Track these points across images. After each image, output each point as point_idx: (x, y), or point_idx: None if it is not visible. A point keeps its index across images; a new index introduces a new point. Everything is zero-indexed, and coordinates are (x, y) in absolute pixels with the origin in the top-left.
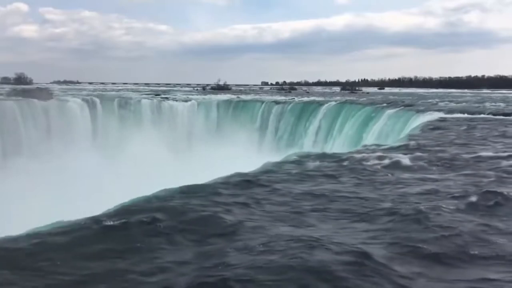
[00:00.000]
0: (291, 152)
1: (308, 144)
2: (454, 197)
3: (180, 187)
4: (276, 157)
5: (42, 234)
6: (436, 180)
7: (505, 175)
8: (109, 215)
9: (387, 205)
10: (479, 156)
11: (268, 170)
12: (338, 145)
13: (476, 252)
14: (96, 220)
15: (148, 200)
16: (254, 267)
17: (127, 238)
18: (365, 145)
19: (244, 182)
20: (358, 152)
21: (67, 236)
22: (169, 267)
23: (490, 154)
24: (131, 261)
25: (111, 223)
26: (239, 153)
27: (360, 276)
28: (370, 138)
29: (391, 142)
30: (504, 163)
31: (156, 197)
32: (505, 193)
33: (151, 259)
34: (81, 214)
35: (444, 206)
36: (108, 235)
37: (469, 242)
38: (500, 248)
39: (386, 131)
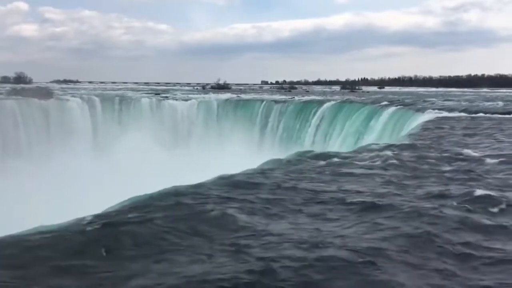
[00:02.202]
0: (291, 151)
1: (308, 143)
2: (434, 196)
3: (179, 186)
4: (276, 156)
5: (40, 234)
6: (434, 180)
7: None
8: (108, 214)
9: (383, 205)
10: (476, 156)
11: (268, 169)
12: (338, 144)
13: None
14: (95, 219)
15: (147, 199)
16: (256, 267)
17: (126, 238)
18: (364, 144)
19: (242, 181)
20: (357, 151)
21: (65, 236)
22: (165, 267)
23: (485, 153)
24: (130, 262)
25: (110, 222)
26: (239, 152)
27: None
28: (370, 137)
29: (391, 141)
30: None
31: (155, 197)
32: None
33: (149, 259)
34: (81, 213)
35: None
36: (107, 235)
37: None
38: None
39: (386, 130)
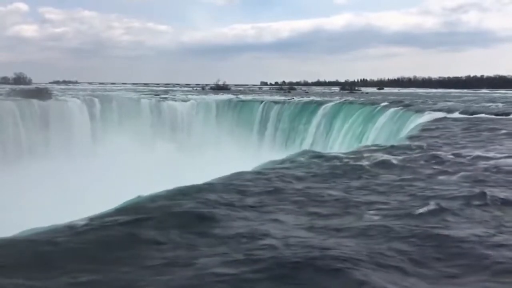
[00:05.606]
0: (290, 152)
1: (307, 144)
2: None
3: (179, 188)
4: (275, 157)
5: (37, 235)
6: (431, 181)
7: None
8: (107, 216)
9: (379, 206)
10: (475, 156)
11: (267, 170)
12: (337, 145)
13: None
14: (94, 221)
15: (145, 200)
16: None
17: (125, 239)
18: (364, 145)
19: (241, 182)
20: (356, 152)
21: (61, 238)
22: (162, 269)
23: (484, 154)
24: (128, 264)
25: (109, 224)
26: (238, 153)
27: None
28: (369, 138)
29: (390, 142)
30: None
31: (154, 198)
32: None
33: (146, 261)
34: (80, 214)
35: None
36: (105, 237)
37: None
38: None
39: (385, 131)
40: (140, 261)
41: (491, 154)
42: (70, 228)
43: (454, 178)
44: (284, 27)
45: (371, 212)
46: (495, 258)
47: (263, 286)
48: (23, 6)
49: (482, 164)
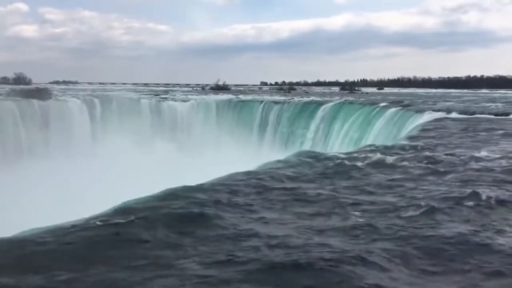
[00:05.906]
0: (290, 152)
1: (307, 145)
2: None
3: (171, 189)
4: (275, 157)
5: (35, 236)
6: (423, 181)
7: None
8: (108, 214)
9: (377, 207)
10: (469, 157)
11: (266, 170)
12: (337, 146)
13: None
14: (92, 221)
15: (145, 201)
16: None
17: (124, 239)
18: (363, 146)
19: (240, 183)
20: (356, 152)
21: (60, 238)
22: (151, 270)
23: (478, 155)
24: (118, 264)
25: (104, 224)
26: (238, 153)
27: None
28: (369, 138)
29: (390, 142)
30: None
31: (153, 198)
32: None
33: (144, 262)
34: (79, 214)
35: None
36: (106, 236)
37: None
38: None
39: (385, 131)
40: (133, 261)
41: (484, 155)
42: (69, 229)
43: (446, 178)
44: (284, 27)
45: (360, 212)
46: (479, 256)
47: (249, 286)
48: (23, 6)
49: (475, 164)
